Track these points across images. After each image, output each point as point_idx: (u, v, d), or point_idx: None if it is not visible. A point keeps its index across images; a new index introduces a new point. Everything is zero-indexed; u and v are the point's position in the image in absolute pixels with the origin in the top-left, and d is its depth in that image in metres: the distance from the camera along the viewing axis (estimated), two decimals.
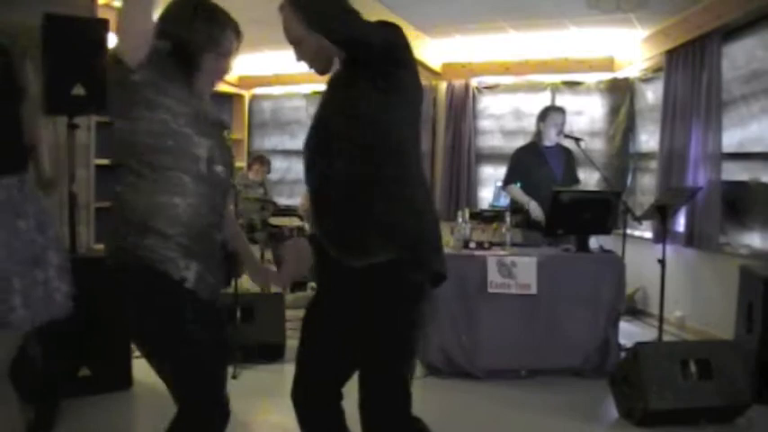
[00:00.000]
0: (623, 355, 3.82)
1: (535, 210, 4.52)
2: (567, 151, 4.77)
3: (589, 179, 6.27)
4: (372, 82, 1.88)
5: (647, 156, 6.09)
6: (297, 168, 7.84)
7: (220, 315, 1.95)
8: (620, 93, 6.33)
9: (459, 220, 4.19)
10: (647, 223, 5.26)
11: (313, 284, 6.14)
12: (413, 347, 1.92)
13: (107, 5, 5.91)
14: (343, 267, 1.87)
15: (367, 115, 1.88)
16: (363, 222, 1.86)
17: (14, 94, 2.11)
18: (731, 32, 4.78)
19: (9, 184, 2.04)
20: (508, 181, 4.74)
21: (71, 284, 2.24)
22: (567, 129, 4.73)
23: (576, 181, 4.81)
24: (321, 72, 2.02)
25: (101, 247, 5.05)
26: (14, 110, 2.11)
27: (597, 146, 6.39)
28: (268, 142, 8.42)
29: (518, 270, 3.91)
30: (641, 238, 5.53)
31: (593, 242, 4.27)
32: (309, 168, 1.99)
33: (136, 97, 1.70)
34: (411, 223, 1.89)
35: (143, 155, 1.73)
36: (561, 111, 4.78)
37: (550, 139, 4.65)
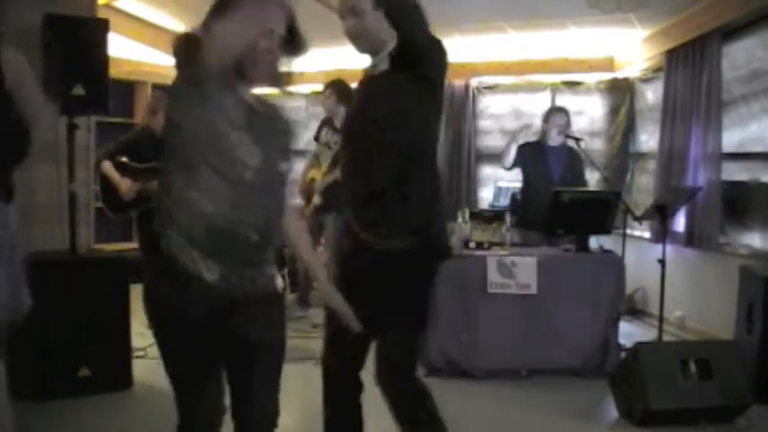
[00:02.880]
0: (623, 355, 3.83)
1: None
2: (571, 153, 4.75)
3: (589, 179, 6.26)
4: (412, 83, 2.02)
5: (646, 156, 6.09)
6: (298, 168, 7.82)
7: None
8: (620, 93, 6.33)
9: (459, 220, 4.19)
10: (646, 223, 5.25)
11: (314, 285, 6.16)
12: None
13: (107, 5, 5.93)
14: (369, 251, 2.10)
15: (406, 113, 2.03)
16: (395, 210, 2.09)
17: None
18: (731, 32, 4.78)
19: None
20: (509, 161, 4.69)
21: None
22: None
23: (581, 183, 4.74)
24: (362, 52, 2.13)
25: (101, 247, 5.06)
26: None
27: (597, 146, 6.38)
28: None
29: (518, 270, 3.91)
30: (641, 238, 5.52)
31: (593, 242, 4.27)
32: (350, 156, 2.18)
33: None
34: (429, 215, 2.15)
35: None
36: (563, 111, 4.78)
37: (553, 139, 4.68)
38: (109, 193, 4.58)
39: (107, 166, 4.53)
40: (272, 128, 1.84)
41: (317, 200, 4.97)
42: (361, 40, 2.10)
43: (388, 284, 2.13)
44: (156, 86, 7.15)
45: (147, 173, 4.62)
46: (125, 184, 4.41)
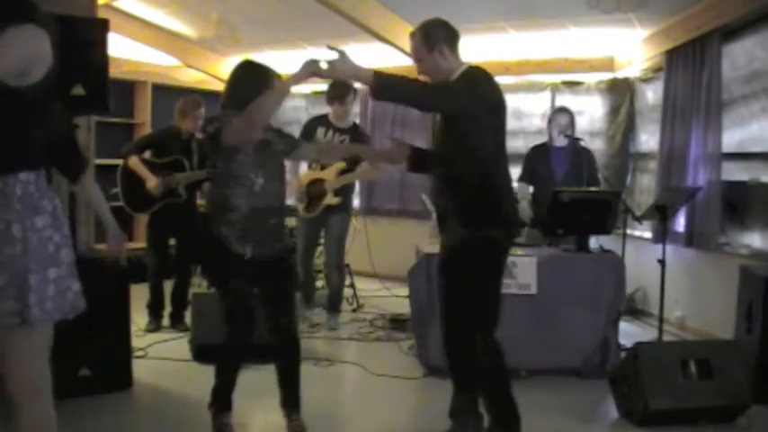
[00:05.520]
0: (623, 355, 3.83)
1: (522, 209, 4.52)
2: (579, 153, 4.64)
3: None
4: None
5: (647, 156, 6.09)
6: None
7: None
8: (620, 93, 6.32)
9: None
10: (646, 223, 5.25)
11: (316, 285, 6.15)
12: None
13: (107, 5, 5.93)
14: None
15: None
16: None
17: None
18: (731, 32, 4.78)
19: (26, 180, 2.03)
20: (519, 179, 4.77)
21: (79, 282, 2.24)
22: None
23: (594, 183, 4.61)
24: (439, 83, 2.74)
25: (101, 247, 5.05)
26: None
27: (597, 146, 6.36)
28: None
29: (518, 270, 3.91)
30: (641, 238, 5.52)
31: (594, 242, 4.28)
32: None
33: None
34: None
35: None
36: (565, 112, 4.79)
37: (556, 139, 4.70)
38: (133, 190, 4.62)
39: (135, 161, 4.60)
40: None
41: (334, 200, 4.92)
42: (430, 76, 2.78)
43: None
44: (156, 86, 7.16)
45: (164, 167, 4.67)
46: (153, 181, 4.48)
